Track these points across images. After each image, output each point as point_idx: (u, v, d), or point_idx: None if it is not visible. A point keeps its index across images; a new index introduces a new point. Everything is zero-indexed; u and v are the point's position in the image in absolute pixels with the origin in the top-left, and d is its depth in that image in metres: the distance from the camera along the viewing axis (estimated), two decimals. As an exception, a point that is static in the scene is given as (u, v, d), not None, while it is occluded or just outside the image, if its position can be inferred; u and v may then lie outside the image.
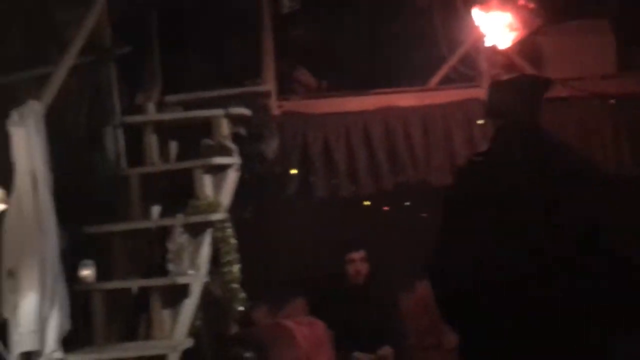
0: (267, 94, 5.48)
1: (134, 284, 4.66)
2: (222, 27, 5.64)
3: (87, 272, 4.41)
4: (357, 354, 5.53)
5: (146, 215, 4.94)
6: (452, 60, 5.90)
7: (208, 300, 4.77)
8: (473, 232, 2.95)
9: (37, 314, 3.77)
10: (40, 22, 4.87)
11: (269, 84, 5.51)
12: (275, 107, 5.53)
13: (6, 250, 3.83)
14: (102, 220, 4.74)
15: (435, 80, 5.86)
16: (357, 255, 5.76)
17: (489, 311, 2.95)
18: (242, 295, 4.76)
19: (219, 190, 4.84)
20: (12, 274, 3.82)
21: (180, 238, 4.49)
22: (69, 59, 4.42)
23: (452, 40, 5.98)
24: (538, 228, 2.91)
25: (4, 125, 3.95)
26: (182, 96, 5.40)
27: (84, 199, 4.72)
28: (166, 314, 4.44)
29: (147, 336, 4.53)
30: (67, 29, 4.84)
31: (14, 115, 3.93)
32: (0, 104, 4.35)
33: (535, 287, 2.88)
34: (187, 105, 5.37)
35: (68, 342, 4.04)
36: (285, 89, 5.78)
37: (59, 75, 4.32)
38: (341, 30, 6.18)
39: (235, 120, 5.16)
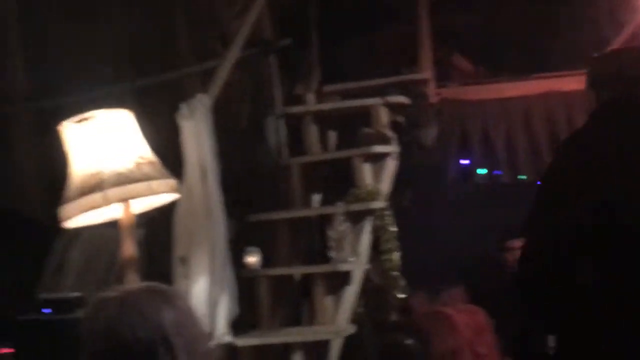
0: (424, 82, 5.47)
1: (297, 271, 4.77)
2: (379, 15, 5.67)
3: (252, 259, 4.55)
4: (518, 343, 5.45)
5: (307, 203, 5.05)
6: (617, 42, 5.69)
7: (368, 288, 4.82)
8: (567, 202, 2.87)
9: (207, 299, 3.91)
10: (205, 17, 5.05)
11: (426, 72, 5.49)
12: (433, 94, 5.50)
13: (178, 239, 3.99)
14: (266, 208, 4.87)
15: (599, 63, 5.67)
16: (518, 243, 5.66)
17: (575, 283, 2.82)
18: (402, 282, 4.78)
19: (379, 178, 4.87)
20: (183, 260, 3.98)
21: (341, 226, 4.55)
22: (234, 53, 4.55)
23: (617, 21, 5.77)
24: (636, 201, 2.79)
25: (174, 118, 4.11)
26: (341, 86, 5.46)
27: (248, 188, 4.88)
28: (328, 300, 4.52)
29: (310, 322, 4.63)
30: (229, 23, 4.99)
31: (184, 109, 4.08)
32: (169, 97, 4.55)
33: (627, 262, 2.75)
34: (345, 95, 5.44)
35: (235, 327, 4.18)
36: (443, 76, 5.75)
37: (224, 69, 4.46)
38: (498, 13, 6.08)
39: (393, 108, 5.17)
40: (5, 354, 3.51)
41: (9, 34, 4.40)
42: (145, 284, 1.62)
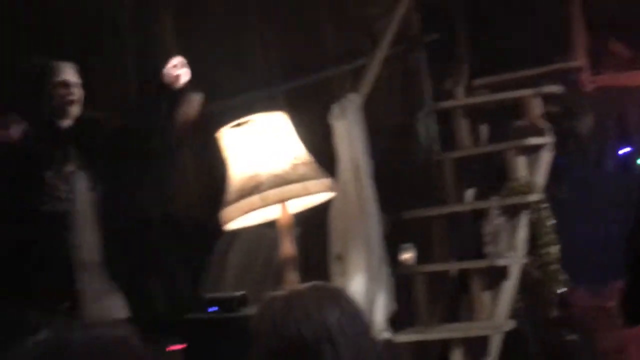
0: (578, 70, 5.31)
1: (453, 267, 4.74)
2: (529, 3, 5.55)
3: (407, 256, 4.55)
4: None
5: (461, 198, 5.00)
6: None
7: (527, 282, 4.73)
8: None
9: (365, 295, 3.94)
10: (352, 16, 5.09)
11: (580, 59, 5.33)
12: (588, 82, 5.33)
13: (334, 236, 4.05)
14: (419, 205, 4.86)
15: None
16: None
17: None
18: (563, 276, 4.67)
19: (534, 170, 4.78)
20: (340, 258, 4.03)
21: (496, 220, 4.49)
22: (382, 51, 4.57)
23: None
24: None
25: (326, 118, 4.16)
26: (490, 78, 5.38)
27: (401, 185, 4.88)
28: (486, 296, 4.47)
29: (468, 318, 4.59)
30: (377, 21, 5.02)
31: (335, 109, 4.14)
32: (320, 98, 4.61)
33: None
34: (496, 87, 5.35)
35: (393, 323, 4.19)
36: (597, 63, 5.56)
37: (374, 67, 4.48)
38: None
39: (546, 99, 5.05)
40: (177, 350, 3.66)
41: (166, 41, 4.57)
42: (311, 283, 1.64)
